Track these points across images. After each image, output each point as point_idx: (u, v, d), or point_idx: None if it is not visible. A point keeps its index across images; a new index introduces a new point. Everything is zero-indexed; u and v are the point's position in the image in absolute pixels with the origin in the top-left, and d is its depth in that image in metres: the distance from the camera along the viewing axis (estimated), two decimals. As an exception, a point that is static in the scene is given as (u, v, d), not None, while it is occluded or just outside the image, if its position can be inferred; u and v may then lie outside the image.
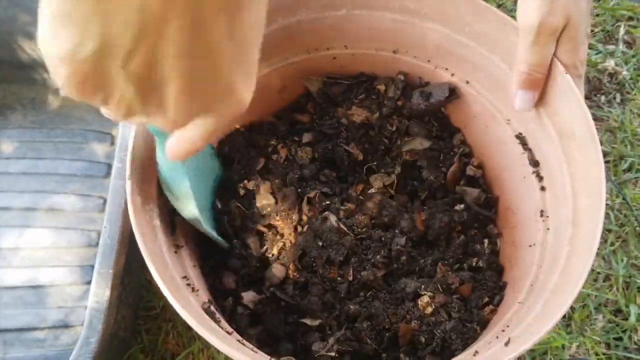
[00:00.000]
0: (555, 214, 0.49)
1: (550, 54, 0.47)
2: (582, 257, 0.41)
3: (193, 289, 0.46)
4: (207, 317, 0.43)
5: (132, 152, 0.44)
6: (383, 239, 0.53)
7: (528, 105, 0.49)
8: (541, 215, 0.51)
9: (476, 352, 0.43)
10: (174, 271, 0.45)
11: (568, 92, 0.47)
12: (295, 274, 0.52)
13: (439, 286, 0.51)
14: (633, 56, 0.93)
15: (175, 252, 0.48)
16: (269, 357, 0.41)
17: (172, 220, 0.49)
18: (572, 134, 0.47)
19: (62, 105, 0.80)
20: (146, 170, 0.46)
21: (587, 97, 0.90)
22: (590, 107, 0.89)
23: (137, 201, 0.43)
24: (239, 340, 0.43)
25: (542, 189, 0.52)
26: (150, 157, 0.47)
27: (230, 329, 0.45)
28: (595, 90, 0.91)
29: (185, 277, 0.47)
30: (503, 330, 0.44)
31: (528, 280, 0.47)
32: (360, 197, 0.57)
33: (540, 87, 0.48)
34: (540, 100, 0.50)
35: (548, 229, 0.50)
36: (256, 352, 0.42)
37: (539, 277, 0.46)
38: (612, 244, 0.77)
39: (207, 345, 0.66)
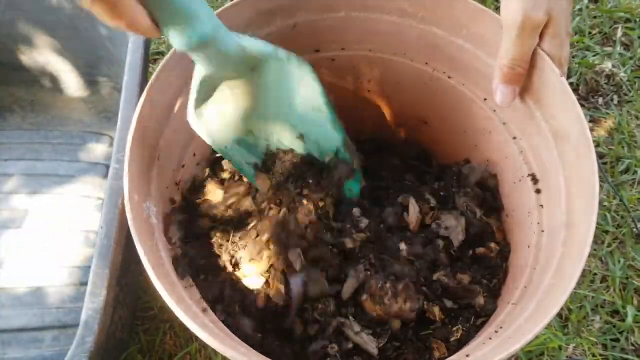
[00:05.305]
0: (549, 216, 0.49)
1: (532, 48, 0.47)
2: (575, 258, 0.41)
3: (190, 285, 0.46)
4: (202, 315, 0.43)
5: (130, 150, 0.44)
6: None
7: (509, 99, 0.50)
8: (536, 218, 0.51)
9: (467, 355, 0.42)
10: (170, 269, 0.45)
11: (563, 94, 0.47)
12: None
13: None
14: (630, 58, 0.93)
15: (172, 247, 0.48)
16: (264, 356, 0.41)
17: (172, 217, 0.49)
18: (567, 136, 0.47)
19: (61, 107, 0.80)
20: (144, 168, 0.46)
21: (584, 99, 0.90)
22: (587, 108, 0.89)
23: (134, 199, 0.43)
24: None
25: (538, 191, 0.52)
26: (148, 155, 0.47)
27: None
28: (593, 91, 0.91)
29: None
30: (496, 331, 0.44)
31: (522, 283, 0.47)
32: None
33: (521, 82, 0.49)
34: (537, 103, 0.50)
35: (542, 231, 0.50)
36: (251, 351, 0.42)
37: (532, 279, 0.46)
38: (609, 245, 0.77)
39: (204, 346, 0.66)
